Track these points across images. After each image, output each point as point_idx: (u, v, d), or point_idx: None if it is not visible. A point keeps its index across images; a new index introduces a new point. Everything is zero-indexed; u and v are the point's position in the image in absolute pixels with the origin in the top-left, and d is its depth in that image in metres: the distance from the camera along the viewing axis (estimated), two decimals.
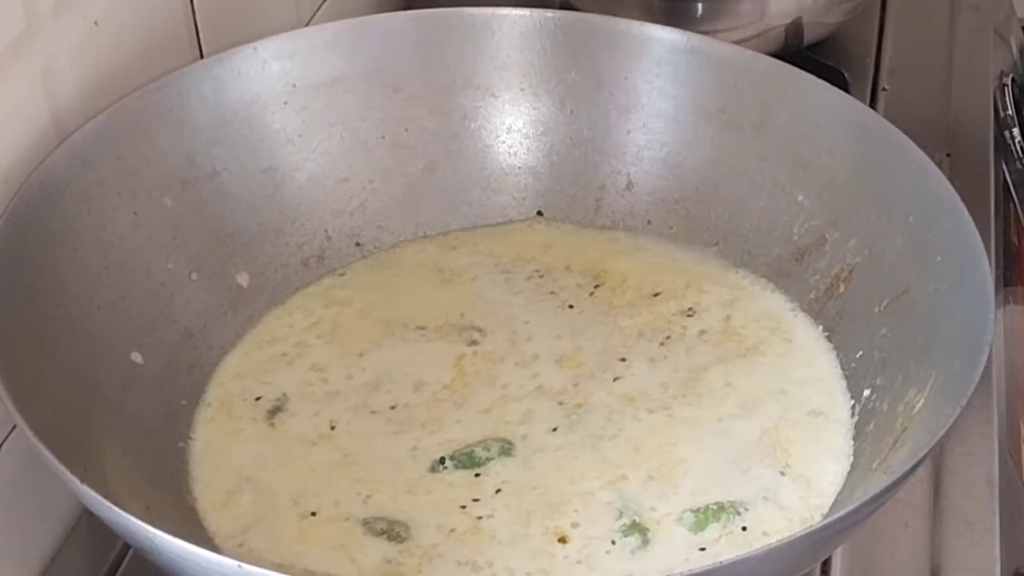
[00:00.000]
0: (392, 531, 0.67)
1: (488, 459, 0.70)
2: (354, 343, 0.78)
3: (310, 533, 0.67)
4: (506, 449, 0.71)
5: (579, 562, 0.66)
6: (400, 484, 0.70)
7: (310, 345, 0.78)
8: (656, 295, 0.81)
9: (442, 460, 0.71)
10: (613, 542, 0.67)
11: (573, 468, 0.70)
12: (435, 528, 0.67)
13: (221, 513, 0.68)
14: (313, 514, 0.68)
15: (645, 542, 0.67)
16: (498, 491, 0.69)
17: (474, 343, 0.78)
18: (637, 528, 0.67)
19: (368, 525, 0.67)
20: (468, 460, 0.70)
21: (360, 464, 0.71)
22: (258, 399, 0.74)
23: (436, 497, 0.69)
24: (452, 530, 0.67)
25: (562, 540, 0.67)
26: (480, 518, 0.68)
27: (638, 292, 0.81)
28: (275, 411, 0.74)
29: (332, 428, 0.73)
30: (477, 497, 0.69)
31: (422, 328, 0.79)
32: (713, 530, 0.67)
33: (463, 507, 0.68)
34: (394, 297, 0.81)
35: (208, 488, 0.69)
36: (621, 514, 0.68)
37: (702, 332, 0.78)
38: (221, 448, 0.71)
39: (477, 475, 0.70)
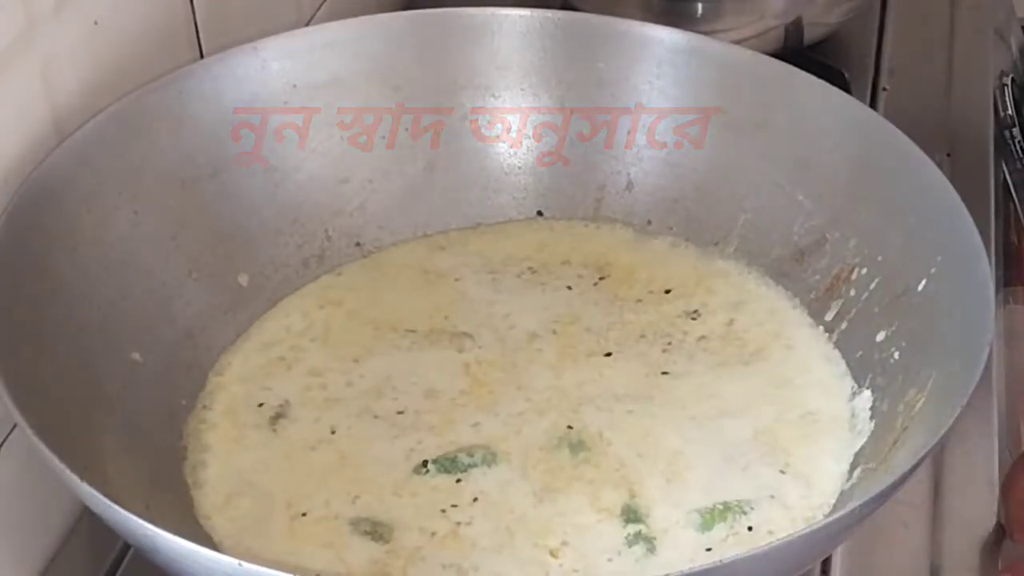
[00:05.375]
0: (376, 532, 0.67)
1: (470, 465, 0.70)
2: (346, 347, 0.77)
3: (300, 532, 0.67)
4: (488, 458, 0.71)
5: (575, 571, 0.66)
6: (388, 486, 0.69)
7: (305, 349, 0.77)
8: (668, 291, 0.81)
9: (424, 463, 0.70)
10: (619, 552, 0.66)
11: (569, 471, 0.70)
12: (417, 531, 0.67)
13: (220, 514, 0.68)
14: (304, 514, 0.68)
15: (651, 548, 0.66)
16: (475, 500, 0.69)
17: (463, 350, 0.77)
18: (642, 536, 0.67)
19: (355, 525, 0.68)
20: (451, 465, 0.70)
21: (353, 466, 0.71)
22: (260, 405, 0.74)
23: (419, 499, 0.69)
24: (433, 534, 0.67)
25: (553, 553, 0.66)
26: (459, 524, 0.68)
27: (647, 286, 0.81)
28: (277, 417, 0.74)
29: (332, 433, 0.73)
30: (455, 503, 0.69)
31: (412, 331, 0.79)
32: (720, 530, 0.67)
33: (443, 511, 0.68)
34: (381, 298, 0.81)
35: (210, 491, 0.69)
36: (627, 522, 0.67)
37: (702, 337, 0.78)
38: (225, 453, 0.71)
39: (459, 480, 0.70)
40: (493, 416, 0.73)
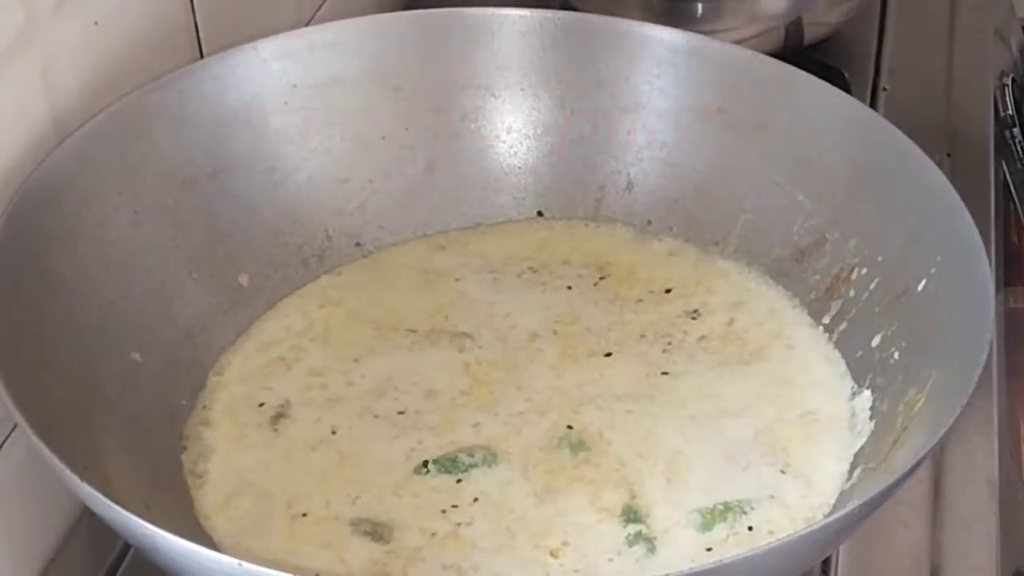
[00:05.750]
0: (376, 532, 0.67)
1: (471, 465, 0.70)
2: (347, 347, 0.77)
3: (300, 532, 0.67)
4: (489, 459, 0.71)
5: (576, 571, 0.66)
6: (388, 486, 0.69)
7: (305, 349, 0.77)
8: (669, 291, 0.81)
9: (425, 464, 0.70)
10: (619, 552, 0.66)
11: (569, 471, 0.70)
12: (417, 531, 0.67)
13: (220, 514, 0.68)
14: (304, 515, 0.68)
15: (651, 548, 0.66)
16: (476, 500, 0.69)
17: (464, 350, 0.77)
18: (642, 536, 0.67)
19: (355, 525, 0.67)
20: (451, 465, 0.70)
21: (354, 467, 0.71)
22: (261, 405, 0.74)
23: (420, 500, 0.69)
24: (433, 534, 0.67)
25: (554, 553, 0.66)
26: (459, 524, 0.68)
27: (647, 286, 0.81)
28: (278, 417, 0.74)
29: (333, 433, 0.73)
30: (456, 503, 0.69)
31: (412, 331, 0.79)
32: (720, 530, 0.67)
33: (443, 511, 0.68)
34: (381, 298, 0.81)
35: (210, 491, 0.69)
36: (627, 522, 0.67)
37: (702, 337, 0.78)
38: (226, 453, 0.71)
39: (459, 481, 0.70)
40: (493, 416, 0.73)
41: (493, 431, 0.72)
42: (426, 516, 0.68)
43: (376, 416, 0.73)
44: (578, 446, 0.71)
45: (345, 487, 0.69)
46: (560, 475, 0.70)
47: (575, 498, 0.69)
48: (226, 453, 0.71)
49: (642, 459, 0.71)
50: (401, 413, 0.73)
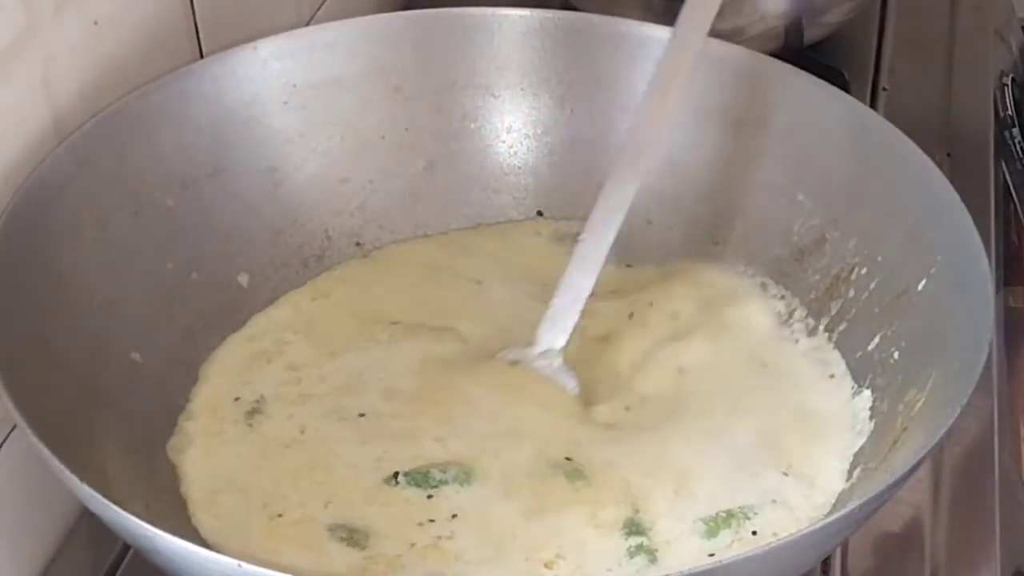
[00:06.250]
0: (352, 538, 0.66)
1: (442, 482, 0.68)
2: (328, 341, 0.77)
3: (278, 533, 0.66)
4: (462, 477, 0.68)
5: None
6: (358, 492, 0.68)
7: (287, 342, 0.77)
8: (668, 292, 0.80)
9: (395, 475, 0.69)
10: (619, 563, 0.66)
11: (563, 483, 0.69)
12: (396, 540, 0.66)
13: (205, 512, 0.68)
14: (280, 515, 0.67)
15: (652, 559, 0.66)
16: (454, 516, 0.67)
17: (441, 342, 0.77)
18: (643, 548, 0.66)
19: (332, 531, 0.66)
20: (422, 479, 0.68)
21: (323, 469, 0.69)
22: (237, 399, 0.73)
23: (393, 510, 0.67)
24: (412, 544, 0.66)
25: (548, 565, 0.65)
26: (439, 537, 0.66)
27: (647, 286, 0.81)
28: (253, 412, 0.73)
29: (302, 432, 0.72)
30: (432, 518, 0.67)
31: (395, 323, 0.78)
32: (724, 536, 0.66)
33: (420, 524, 0.67)
34: (371, 292, 0.80)
35: (195, 488, 0.69)
36: (628, 535, 0.67)
37: (702, 338, 0.78)
38: (207, 448, 0.71)
39: (430, 497, 0.68)
40: (465, 423, 0.72)
41: (459, 444, 0.70)
42: (403, 526, 0.66)
43: (341, 418, 0.72)
44: (558, 463, 0.70)
45: (318, 489, 0.68)
46: (554, 488, 0.69)
47: (570, 515, 0.67)
48: (207, 449, 0.71)
49: (648, 473, 0.69)
50: (362, 415, 0.72)
